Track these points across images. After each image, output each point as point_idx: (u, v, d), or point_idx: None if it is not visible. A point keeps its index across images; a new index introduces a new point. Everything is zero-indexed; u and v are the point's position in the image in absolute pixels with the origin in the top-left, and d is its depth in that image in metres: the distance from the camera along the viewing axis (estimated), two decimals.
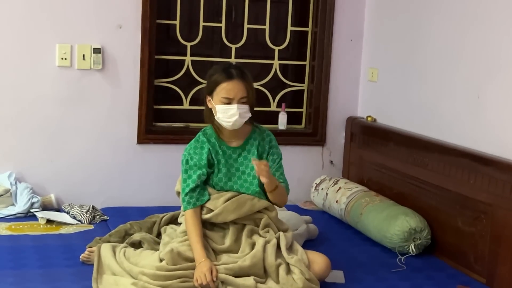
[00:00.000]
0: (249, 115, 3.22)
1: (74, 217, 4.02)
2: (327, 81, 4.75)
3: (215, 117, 3.24)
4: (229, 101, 3.18)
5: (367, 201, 4.08)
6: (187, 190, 3.25)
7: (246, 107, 3.20)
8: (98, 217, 4.06)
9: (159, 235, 3.50)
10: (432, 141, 3.90)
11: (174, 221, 3.54)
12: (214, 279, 3.01)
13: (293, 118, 4.83)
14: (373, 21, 4.67)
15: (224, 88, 3.19)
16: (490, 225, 3.38)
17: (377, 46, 4.63)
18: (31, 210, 4.04)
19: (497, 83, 3.49)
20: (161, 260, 3.11)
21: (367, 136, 4.58)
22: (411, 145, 4.06)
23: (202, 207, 3.26)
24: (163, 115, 4.59)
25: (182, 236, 3.27)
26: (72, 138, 4.32)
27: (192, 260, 3.10)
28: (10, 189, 4.09)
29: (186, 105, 4.61)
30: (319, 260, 3.20)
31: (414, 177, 4.01)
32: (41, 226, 3.88)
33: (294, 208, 4.33)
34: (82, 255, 3.35)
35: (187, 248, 3.16)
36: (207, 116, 3.30)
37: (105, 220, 4.06)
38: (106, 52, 4.30)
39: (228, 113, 3.18)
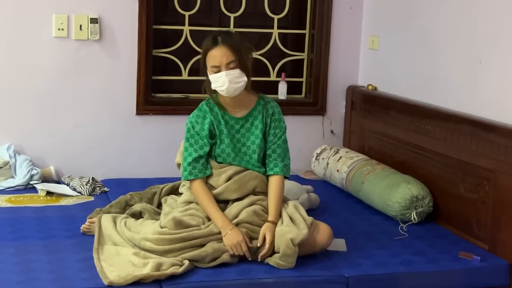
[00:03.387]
0: (243, 79, 3.16)
1: (74, 189, 4.00)
2: (327, 50, 4.71)
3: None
4: (218, 69, 3.14)
5: (368, 169, 4.06)
6: (189, 159, 3.22)
7: (236, 72, 3.13)
8: (98, 188, 4.05)
9: (159, 205, 3.49)
10: (433, 108, 3.87)
11: (174, 191, 3.52)
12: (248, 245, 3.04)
13: (293, 88, 4.79)
14: None
15: (211, 56, 3.15)
16: (492, 191, 3.37)
17: (378, 14, 4.58)
18: (31, 182, 4.02)
19: (499, 48, 3.45)
20: (162, 228, 3.10)
21: (368, 104, 4.54)
22: (412, 112, 4.03)
23: (205, 181, 3.23)
24: (162, 86, 4.55)
25: (183, 206, 3.26)
26: (71, 109, 4.29)
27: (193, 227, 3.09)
28: (9, 162, 4.07)
29: (185, 76, 4.56)
30: (321, 229, 3.19)
31: (415, 145, 3.98)
32: (41, 198, 3.86)
33: (295, 178, 4.31)
34: (82, 226, 3.34)
35: (189, 218, 3.15)
36: (208, 88, 3.25)
37: (105, 192, 4.05)
38: (103, 22, 4.25)
39: (218, 82, 3.14)
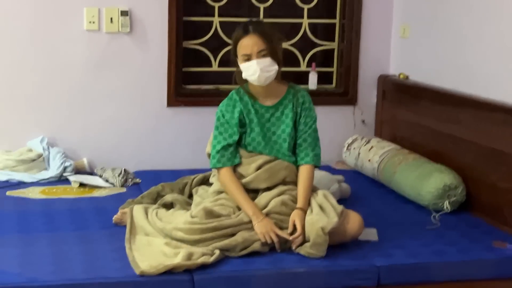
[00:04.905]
0: (275, 68, 3.15)
1: (107, 180, 4.04)
2: (358, 39, 4.67)
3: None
4: (248, 58, 3.14)
5: (400, 159, 4.02)
6: (218, 147, 3.23)
7: (267, 61, 3.13)
8: (130, 180, 4.08)
9: (190, 196, 3.50)
10: (466, 96, 3.81)
11: (205, 182, 3.54)
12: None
13: (323, 78, 4.76)
14: None
15: (242, 45, 3.15)
16: None
17: (408, 2, 4.52)
18: (64, 174, 4.07)
19: None
20: (193, 218, 3.11)
21: (399, 93, 4.50)
22: (444, 101, 3.98)
23: (234, 170, 3.24)
24: (193, 77, 4.57)
25: (213, 196, 3.28)
26: (103, 102, 4.33)
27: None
28: (42, 154, 4.12)
29: (215, 67, 4.57)
30: (352, 218, 3.17)
31: (448, 134, 3.94)
32: (74, 189, 3.91)
33: (327, 168, 4.30)
34: (114, 216, 3.37)
35: (220, 207, 3.16)
36: (239, 78, 3.25)
37: (137, 183, 4.08)
38: (133, 14, 4.28)
39: (249, 70, 3.14)
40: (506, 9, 3.57)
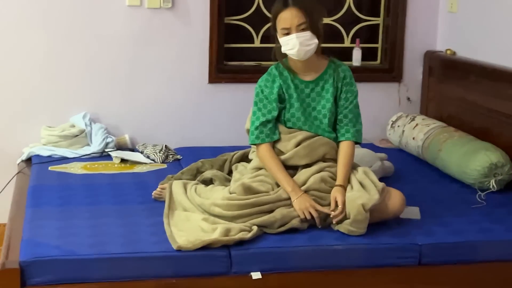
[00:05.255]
0: (315, 41, 3.08)
1: (148, 157, 4.04)
2: (404, 14, 4.55)
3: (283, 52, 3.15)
4: (288, 31, 3.07)
5: (445, 136, 3.92)
6: (257, 123, 3.19)
7: (307, 34, 3.06)
8: (171, 156, 4.07)
9: (230, 172, 3.47)
10: None
11: (245, 158, 3.50)
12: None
13: (368, 54, 4.66)
14: None
15: (281, 19, 3.08)
16: None
17: None
18: (106, 150, 4.09)
19: None
20: (231, 194, 3.09)
21: (446, 70, 4.38)
22: (493, 77, 3.85)
23: (273, 146, 3.20)
24: (235, 53, 4.52)
25: (252, 172, 3.24)
26: (145, 78, 4.32)
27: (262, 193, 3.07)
28: (85, 130, 4.14)
29: (257, 43, 4.52)
30: (393, 195, 3.10)
31: (496, 111, 3.81)
32: (116, 165, 3.92)
33: (370, 147, 4.22)
34: (154, 192, 3.36)
35: (259, 184, 3.12)
36: (278, 53, 3.20)
37: (178, 160, 4.07)
38: None
39: (289, 44, 3.07)
40: None
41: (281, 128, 3.23)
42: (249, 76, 4.39)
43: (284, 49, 3.13)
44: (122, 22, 4.22)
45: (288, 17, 3.08)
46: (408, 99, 4.67)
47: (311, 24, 3.09)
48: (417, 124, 4.19)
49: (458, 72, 4.23)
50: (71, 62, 4.22)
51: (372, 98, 4.57)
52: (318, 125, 3.22)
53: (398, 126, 4.33)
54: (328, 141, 3.21)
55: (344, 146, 3.20)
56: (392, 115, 4.49)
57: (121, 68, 4.27)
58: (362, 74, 4.53)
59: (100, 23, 4.20)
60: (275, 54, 3.24)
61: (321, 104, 3.21)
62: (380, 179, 3.58)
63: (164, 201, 3.22)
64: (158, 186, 3.38)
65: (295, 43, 3.07)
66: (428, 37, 4.60)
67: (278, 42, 3.16)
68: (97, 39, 4.22)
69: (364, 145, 4.16)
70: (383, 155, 3.91)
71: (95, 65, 4.25)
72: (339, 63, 3.27)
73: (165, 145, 4.13)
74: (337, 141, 3.24)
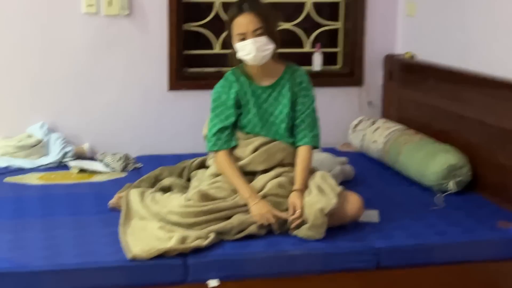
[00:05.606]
0: (270, 47, 3.07)
1: (107, 165, 3.99)
2: (363, 18, 4.56)
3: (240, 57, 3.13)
4: (243, 37, 3.05)
5: (405, 139, 3.93)
6: (214, 130, 3.17)
7: (263, 39, 3.05)
8: (131, 165, 4.03)
9: (189, 180, 3.43)
10: (472, 73, 3.70)
11: (204, 165, 3.46)
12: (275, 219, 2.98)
13: (328, 59, 4.66)
14: None
15: (236, 24, 3.06)
16: None
17: None
18: (64, 160, 4.03)
19: None
20: (188, 201, 3.05)
21: (406, 73, 4.40)
22: (451, 79, 3.87)
23: (230, 152, 3.17)
24: (195, 60, 4.49)
25: (210, 179, 3.21)
26: (104, 86, 4.28)
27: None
28: (42, 140, 4.08)
29: (217, 49, 4.49)
30: (351, 199, 3.09)
31: (454, 113, 3.83)
32: (74, 175, 3.86)
33: (331, 151, 4.21)
34: (110, 201, 3.32)
35: (216, 190, 3.10)
36: (234, 59, 3.18)
37: (138, 168, 4.02)
38: None
39: (245, 50, 3.06)
40: None
41: (239, 134, 3.21)
42: (210, 82, 4.27)
43: (240, 55, 3.11)
44: (79, 30, 4.17)
45: (243, 22, 3.06)
46: (369, 103, 4.67)
47: (267, 29, 3.07)
48: (377, 128, 4.19)
49: (417, 75, 4.25)
50: (27, 70, 4.16)
51: (333, 102, 4.58)
52: (275, 130, 3.20)
53: (360, 130, 4.34)
54: (286, 146, 3.20)
55: (302, 151, 3.19)
56: (354, 119, 4.49)
57: (79, 76, 4.22)
58: (323, 79, 4.53)
59: (56, 31, 4.15)
60: (231, 60, 3.22)
61: (278, 109, 3.20)
62: (341, 183, 3.59)
63: (121, 210, 3.17)
64: (115, 195, 3.34)
65: (251, 49, 3.05)
66: (387, 41, 4.61)
67: (234, 48, 3.14)
68: (54, 48, 4.16)
69: (325, 150, 4.16)
70: (343, 159, 3.90)
71: (52, 74, 4.19)
72: (296, 68, 3.26)
73: (125, 154, 4.08)
74: (295, 146, 3.22)
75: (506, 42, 3.50)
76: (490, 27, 3.63)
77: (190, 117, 4.39)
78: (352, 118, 4.51)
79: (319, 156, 3.79)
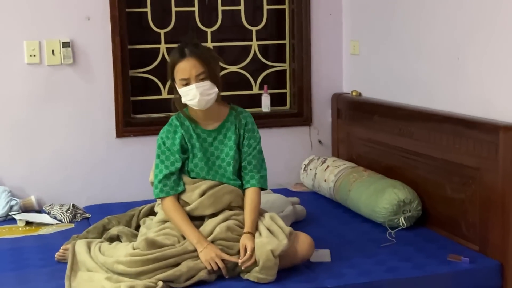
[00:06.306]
0: (215, 90, 3.06)
1: (55, 217, 3.90)
2: (309, 58, 4.61)
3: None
4: (187, 82, 3.04)
5: (355, 177, 3.94)
6: (160, 176, 3.13)
7: (206, 84, 3.04)
8: (79, 215, 3.95)
9: (138, 227, 3.37)
10: (415, 109, 3.76)
11: (153, 212, 3.41)
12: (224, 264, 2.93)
13: (277, 99, 4.69)
14: None
15: (179, 69, 3.05)
16: (478, 190, 3.24)
17: (357, 18, 4.48)
18: (10, 214, 3.93)
19: (477, 42, 3.34)
20: (135, 249, 2.99)
21: (353, 111, 4.43)
22: (396, 116, 3.91)
23: (177, 198, 3.13)
24: (143, 106, 4.47)
25: (158, 226, 3.16)
26: (49, 136, 4.21)
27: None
28: None
29: (165, 95, 4.47)
30: (301, 239, 3.07)
31: (401, 148, 3.86)
32: (20, 228, 3.77)
33: (284, 191, 4.20)
34: (57, 254, 3.23)
35: (164, 237, 3.04)
36: (178, 103, 3.16)
37: (87, 218, 3.95)
38: (76, 45, 4.18)
39: (189, 95, 3.05)
40: (450, 18, 3.53)
41: (185, 178, 3.18)
42: (158, 128, 4.17)
43: (184, 100, 3.10)
44: (22, 81, 4.12)
45: (186, 67, 3.05)
46: (320, 141, 4.69)
47: (210, 73, 3.07)
48: (328, 166, 4.20)
49: (364, 113, 4.29)
50: None
51: (284, 142, 4.58)
52: (222, 173, 3.18)
53: (311, 169, 4.34)
54: (233, 189, 3.17)
55: (250, 193, 3.17)
56: (305, 158, 4.49)
57: (22, 127, 4.15)
58: (273, 120, 4.55)
59: None
60: (175, 104, 3.20)
61: (224, 152, 3.18)
62: (292, 223, 3.59)
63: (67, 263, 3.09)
64: (61, 247, 3.25)
65: (195, 94, 3.04)
66: (334, 80, 4.66)
67: (177, 93, 3.13)
68: None
69: (278, 190, 4.15)
70: (295, 199, 3.89)
71: None
72: (240, 110, 3.26)
73: (73, 204, 4.00)
74: (242, 189, 3.20)
75: (445, 78, 3.56)
76: (431, 63, 3.69)
77: (139, 163, 4.34)
78: (303, 158, 4.52)
79: (270, 197, 3.78)
